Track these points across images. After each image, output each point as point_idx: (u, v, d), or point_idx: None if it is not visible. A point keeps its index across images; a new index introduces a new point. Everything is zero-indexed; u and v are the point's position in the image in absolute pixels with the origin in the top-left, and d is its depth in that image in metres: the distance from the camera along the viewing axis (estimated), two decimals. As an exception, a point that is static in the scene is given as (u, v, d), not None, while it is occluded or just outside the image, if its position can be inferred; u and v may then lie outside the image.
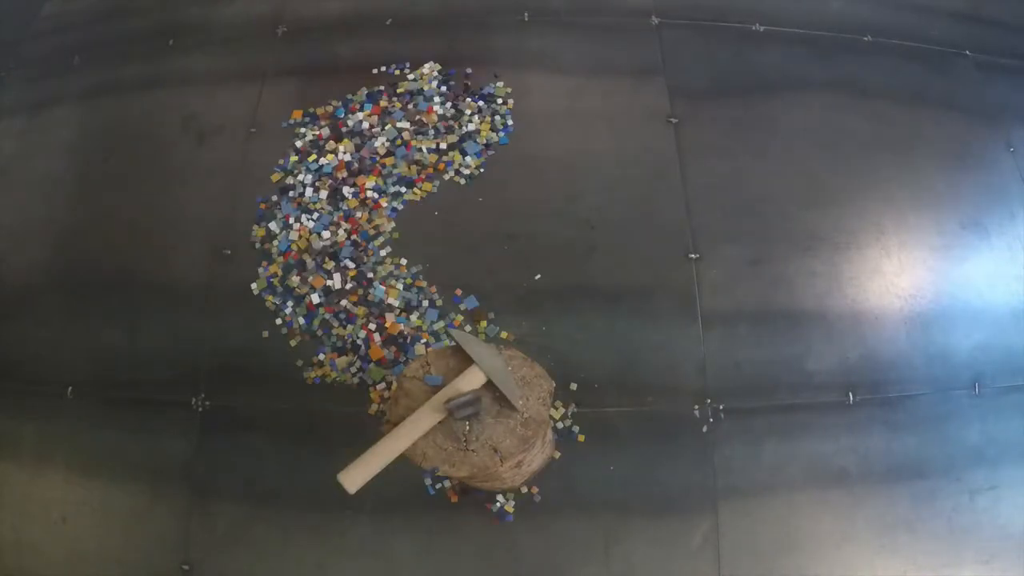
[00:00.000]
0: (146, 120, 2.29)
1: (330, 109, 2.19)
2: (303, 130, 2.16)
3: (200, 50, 2.39)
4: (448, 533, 1.73)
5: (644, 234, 1.97)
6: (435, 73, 2.22)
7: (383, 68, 2.25)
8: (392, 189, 2.05)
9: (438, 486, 1.73)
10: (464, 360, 1.41)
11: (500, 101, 2.16)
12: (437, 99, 2.17)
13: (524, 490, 1.73)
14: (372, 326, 1.87)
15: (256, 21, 2.41)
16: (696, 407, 1.79)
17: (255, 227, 2.03)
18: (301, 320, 1.90)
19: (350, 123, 2.16)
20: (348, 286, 1.94)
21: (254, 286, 1.95)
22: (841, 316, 1.88)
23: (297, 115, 2.19)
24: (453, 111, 2.15)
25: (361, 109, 2.18)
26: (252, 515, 1.78)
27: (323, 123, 2.17)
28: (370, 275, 1.93)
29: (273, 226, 2.03)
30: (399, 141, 2.11)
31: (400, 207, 2.03)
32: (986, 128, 2.16)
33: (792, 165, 2.07)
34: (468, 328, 1.86)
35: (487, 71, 2.22)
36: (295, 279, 1.95)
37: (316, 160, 2.11)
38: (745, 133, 2.12)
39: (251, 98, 2.24)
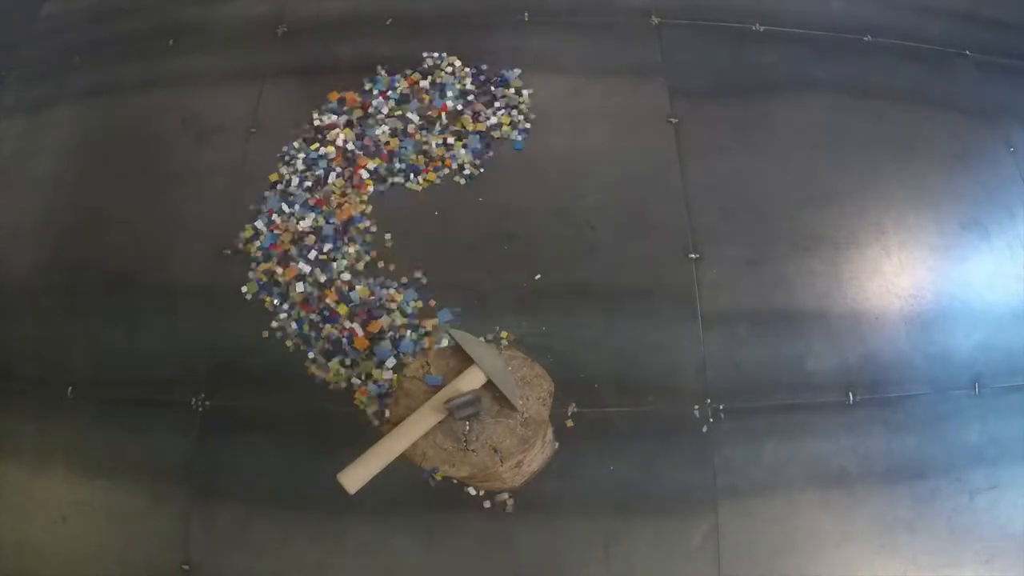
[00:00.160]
0: (146, 120, 2.29)
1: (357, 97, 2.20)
2: (322, 116, 2.17)
3: (200, 50, 2.39)
4: (448, 533, 1.73)
5: (644, 234, 1.97)
6: (467, 70, 2.22)
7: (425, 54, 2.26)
8: (395, 178, 2.06)
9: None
10: (464, 360, 1.41)
11: (519, 98, 2.16)
12: (451, 94, 2.17)
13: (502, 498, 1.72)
14: (354, 324, 1.87)
15: (256, 21, 2.41)
16: (696, 407, 1.79)
17: (244, 227, 2.03)
18: (293, 325, 1.90)
19: (374, 103, 2.16)
20: (323, 279, 1.93)
21: (245, 289, 1.95)
22: (841, 316, 1.88)
23: (333, 97, 2.20)
24: (478, 103, 2.15)
25: (390, 88, 2.19)
26: (252, 515, 1.78)
27: (348, 108, 2.18)
28: (347, 276, 1.94)
29: (260, 224, 2.02)
30: (406, 132, 2.12)
31: (385, 189, 2.04)
32: (986, 128, 2.16)
33: (792, 165, 2.07)
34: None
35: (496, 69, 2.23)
36: (282, 272, 1.95)
37: (317, 149, 2.11)
38: (745, 133, 2.12)
39: (251, 98, 2.24)
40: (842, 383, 1.81)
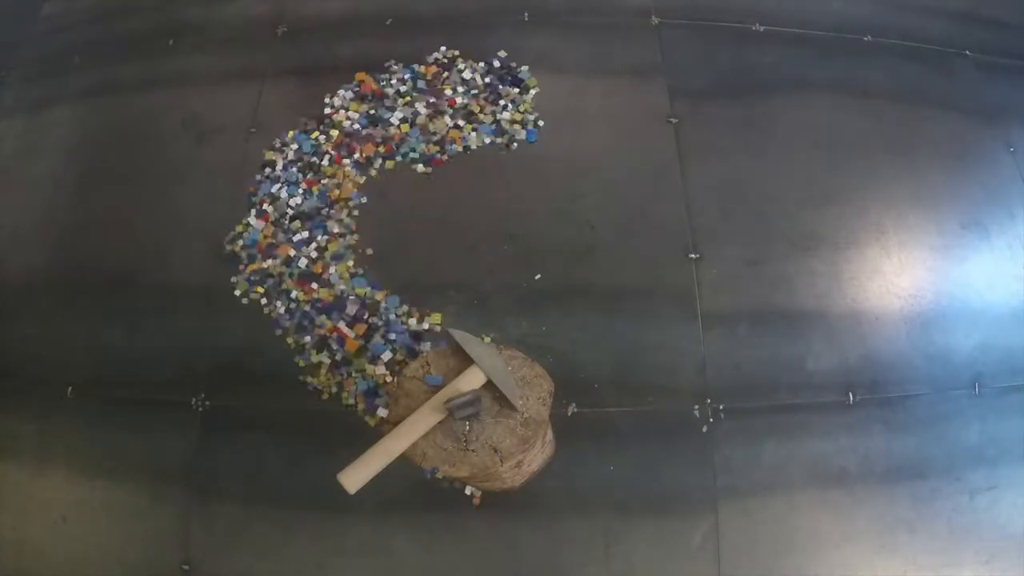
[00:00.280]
0: (146, 120, 2.29)
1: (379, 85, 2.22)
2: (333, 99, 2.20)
3: (200, 50, 2.39)
4: (448, 533, 1.73)
5: (644, 234, 1.97)
6: (481, 66, 2.23)
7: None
8: (401, 158, 2.08)
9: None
10: (464, 360, 1.41)
11: (524, 97, 2.17)
12: (461, 89, 2.18)
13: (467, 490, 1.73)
14: (340, 325, 1.88)
15: (256, 21, 2.41)
16: (696, 407, 1.79)
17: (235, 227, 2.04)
18: (287, 321, 1.91)
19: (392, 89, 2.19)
20: (310, 257, 1.96)
21: (237, 293, 1.95)
22: (841, 316, 1.88)
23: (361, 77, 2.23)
24: (489, 96, 2.17)
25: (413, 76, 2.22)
26: (252, 515, 1.78)
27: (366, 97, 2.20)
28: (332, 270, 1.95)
29: (252, 219, 2.04)
30: (414, 122, 2.14)
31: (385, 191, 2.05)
32: (986, 128, 2.16)
33: (792, 165, 2.07)
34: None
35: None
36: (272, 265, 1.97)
37: (316, 137, 2.14)
38: (745, 133, 2.12)
39: (251, 98, 2.24)
40: (842, 383, 1.81)
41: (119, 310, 2.00)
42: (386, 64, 2.25)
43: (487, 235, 1.98)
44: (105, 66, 2.42)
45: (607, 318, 1.87)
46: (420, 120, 2.14)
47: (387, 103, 2.18)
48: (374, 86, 2.21)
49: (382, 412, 1.74)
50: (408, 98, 2.18)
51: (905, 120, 2.16)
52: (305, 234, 2.00)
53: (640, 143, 2.10)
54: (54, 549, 1.81)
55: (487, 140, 2.10)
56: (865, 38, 2.29)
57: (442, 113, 2.15)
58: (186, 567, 1.75)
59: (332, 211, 2.03)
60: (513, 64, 2.22)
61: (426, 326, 1.86)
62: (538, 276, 1.91)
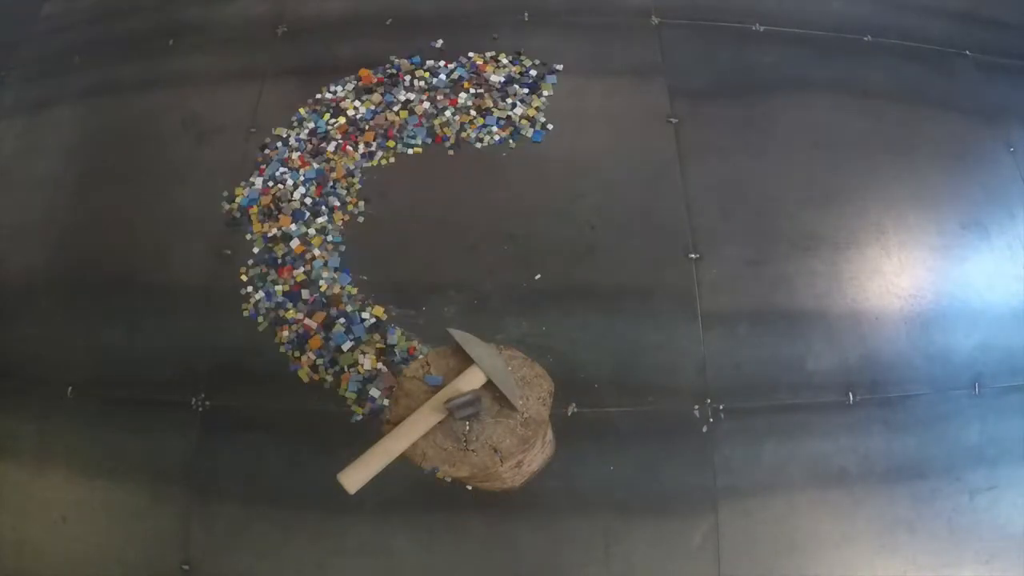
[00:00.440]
0: (146, 120, 2.29)
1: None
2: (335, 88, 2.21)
3: (200, 50, 2.39)
4: (448, 533, 1.73)
5: (644, 234, 1.97)
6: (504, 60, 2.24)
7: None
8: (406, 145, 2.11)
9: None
10: (464, 360, 1.41)
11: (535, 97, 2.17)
12: (471, 90, 2.19)
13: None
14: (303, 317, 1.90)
15: (256, 21, 2.41)
16: (696, 407, 1.79)
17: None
18: (266, 303, 1.93)
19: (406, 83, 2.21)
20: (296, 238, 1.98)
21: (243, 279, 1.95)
22: (841, 316, 1.88)
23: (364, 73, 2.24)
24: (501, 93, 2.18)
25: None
26: (252, 515, 1.78)
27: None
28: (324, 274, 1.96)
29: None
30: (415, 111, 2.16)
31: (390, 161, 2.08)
32: (986, 128, 2.16)
33: (792, 165, 2.07)
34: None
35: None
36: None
37: (328, 119, 2.16)
38: (745, 133, 2.12)
39: (251, 98, 2.24)
40: (842, 383, 1.81)
41: (119, 310, 2.00)
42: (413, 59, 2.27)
43: (487, 235, 1.98)
44: (105, 66, 2.42)
45: (607, 318, 1.87)
46: (419, 109, 2.15)
47: (396, 93, 2.20)
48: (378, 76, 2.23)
49: (375, 394, 1.77)
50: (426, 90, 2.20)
51: (905, 120, 2.16)
52: (305, 213, 2.03)
53: (640, 143, 2.10)
54: (54, 549, 1.81)
55: (495, 130, 2.10)
56: (865, 38, 2.29)
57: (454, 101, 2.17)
58: (186, 567, 1.75)
59: (333, 189, 2.06)
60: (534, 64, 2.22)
61: (371, 318, 1.87)
62: (538, 276, 1.91)
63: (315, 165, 2.09)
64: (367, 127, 2.14)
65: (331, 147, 2.11)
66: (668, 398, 1.80)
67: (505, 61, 2.23)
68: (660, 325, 1.86)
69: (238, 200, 2.06)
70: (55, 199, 2.19)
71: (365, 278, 1.94)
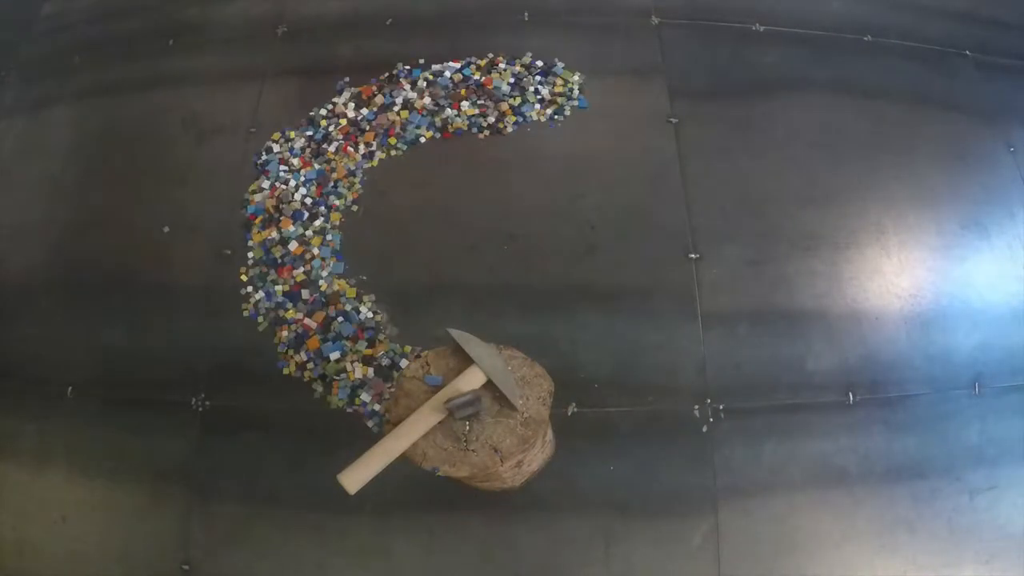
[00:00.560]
0: (146, 120, 2.29)
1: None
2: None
3: (200, 50, 2.39)
4: (448, 533, 1.73)
5: (644, 234, 1.97)
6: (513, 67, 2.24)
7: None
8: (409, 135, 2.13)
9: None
10: (464, 360, 1.41)
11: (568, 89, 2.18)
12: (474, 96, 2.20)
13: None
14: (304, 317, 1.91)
15: (256, 21, 2.41)
16: (696, 407, 1.79)
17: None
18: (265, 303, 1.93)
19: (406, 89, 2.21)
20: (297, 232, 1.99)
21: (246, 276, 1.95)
22: (841, 316, 1.88)
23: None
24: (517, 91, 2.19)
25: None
26: (252, 515, 1.78)
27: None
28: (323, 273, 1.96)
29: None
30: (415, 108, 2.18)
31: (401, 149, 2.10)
32: (986, 128, 2.16)
33: (792, 165, 2.07)
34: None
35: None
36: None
37: (326, 125, 2.17)
38: (745, 133, 2.12)
39: (251, 98, 2.24)
40: (842, 383, 1.81)
41: (119, 310, 2.00)
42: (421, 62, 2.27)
43: (487, 235, 1.98)
44: (105, 66, 2.42)
45: (607, 318, 1.87)
46: (419, 104, 2.16)
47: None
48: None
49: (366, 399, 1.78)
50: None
51: (905, 120, 2.16)
52: (304, 213, 2.04)
53: (640, 143, 2.10)
54: (54, 549, 1.81)
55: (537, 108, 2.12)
56: (865, 38, 2.29)
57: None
58: (186, 567, 1.75)
59: (334, 188, 2.06)
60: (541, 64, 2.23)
61: (369, 313, 1.88)
62: (538, 276, 1.91)
63: (316, 166, 2.09)
64: (368, 127, 2.14)
65: (332, 148, 2.11)
66: (668, 398, 1.80)
67: (504, 65, 2.23)
68: (660, 325, 1.86)
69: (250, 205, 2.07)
70: (55, 199, 2.19)
71: (365, 278, 1.94)
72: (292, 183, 2.07)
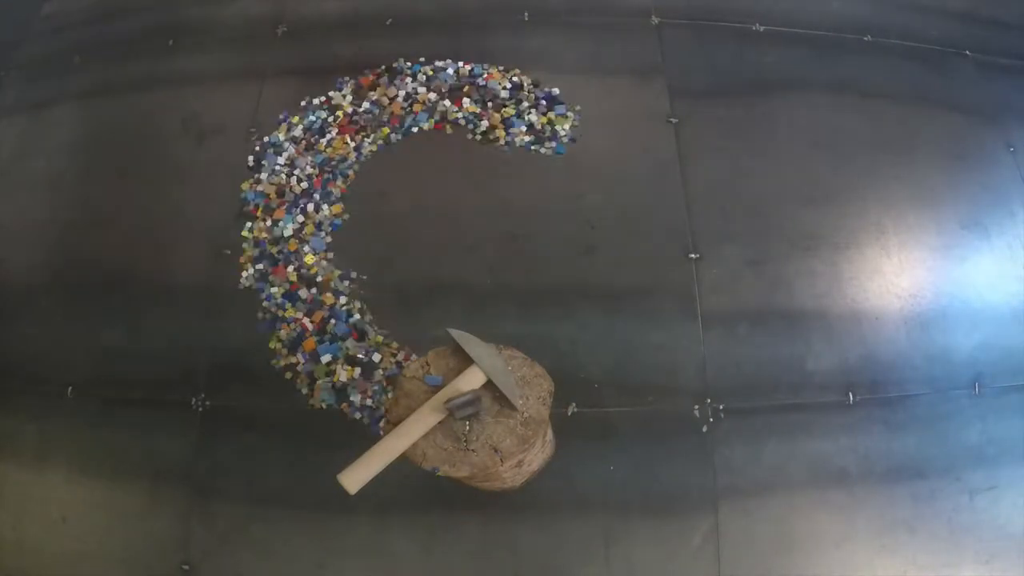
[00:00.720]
0: (146, 120, 2.29)
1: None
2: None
3: (200, 50, 2.39)
4: (448, 533, 1.73)
5: (644, 234, 1.97)
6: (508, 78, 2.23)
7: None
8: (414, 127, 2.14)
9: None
10: (464, 360, 1.41)
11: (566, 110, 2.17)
12: (472, 98, 2.19)
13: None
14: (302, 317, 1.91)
15: (256, 21, 2.41)
16: (696, 407, 1.79)
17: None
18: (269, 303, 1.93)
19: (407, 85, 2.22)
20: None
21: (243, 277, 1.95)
22: (841, 316, 1.88)
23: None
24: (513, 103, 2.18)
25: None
26: (252, 515, 1.78)
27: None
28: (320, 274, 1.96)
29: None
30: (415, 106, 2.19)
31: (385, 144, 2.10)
32: (986, 128, 2.16)
33: (792, 165, 2.07)
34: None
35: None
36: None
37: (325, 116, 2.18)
38: (745, 133, 2.12)
39: (251, 98, 2.24)
40: (842, 383, 1.81)
41: (119, 310, 2.00)
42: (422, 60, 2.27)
43: (487, 235, 1.98)
44: (105, 66, 2.42)
45: (607, 318, 1.87)
46: (422, 98, 2.17)
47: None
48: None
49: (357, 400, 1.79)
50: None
51: (905, 120, 2.16)
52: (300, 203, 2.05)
53: (640, 143, 2.10)
54: (54, 549, 1.81)
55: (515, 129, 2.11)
56: (865, 38, 2.29)
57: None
58: (186, 567, 1.75)
59: (330, 181, 2.07)
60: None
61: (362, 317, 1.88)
62: (538, 276, 1.91)
63: (311, 158, 2.09)
64: (362, 122, 2.14)
65: (326, 140, 2.12)
66: (668, 398, 1.80)
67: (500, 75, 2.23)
68: (660, 325, 1.86)
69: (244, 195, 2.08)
70: (55, 199, 2.19)
71: (365, 278, 1.94)
72: (290, 174, 2.08)
